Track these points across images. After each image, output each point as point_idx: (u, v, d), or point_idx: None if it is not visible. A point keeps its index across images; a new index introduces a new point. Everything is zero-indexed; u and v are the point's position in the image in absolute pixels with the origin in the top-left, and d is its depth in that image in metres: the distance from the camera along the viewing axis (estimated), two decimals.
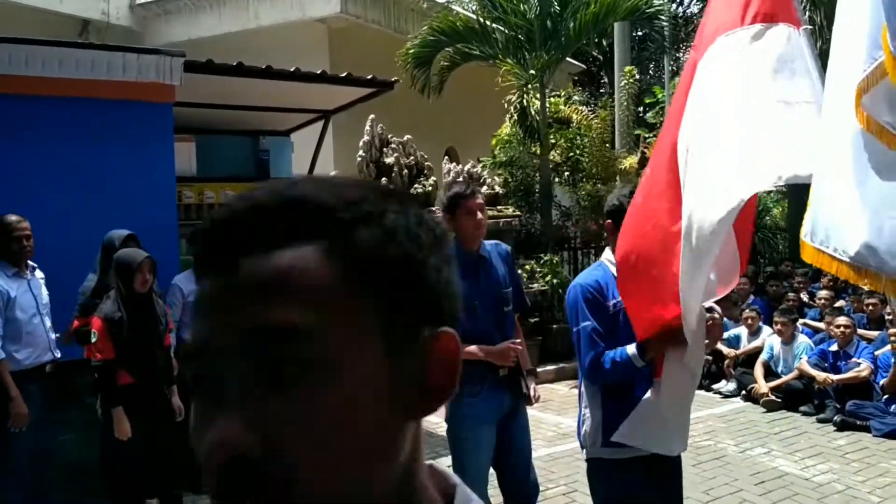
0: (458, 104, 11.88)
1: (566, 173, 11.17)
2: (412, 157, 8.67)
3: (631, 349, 2.72)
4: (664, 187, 2.59)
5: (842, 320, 7.30)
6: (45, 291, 4.55)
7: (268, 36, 12.05)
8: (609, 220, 2.93)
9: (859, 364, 6.96)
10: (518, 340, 3.62)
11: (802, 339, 7.69)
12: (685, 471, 3.13)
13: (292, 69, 6.13)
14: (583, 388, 3.00)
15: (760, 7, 2.43)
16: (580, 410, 3.03)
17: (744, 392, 7.77)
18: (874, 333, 7.56)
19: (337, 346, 0.57)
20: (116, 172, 5.17)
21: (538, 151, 10.30)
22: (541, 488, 3.85)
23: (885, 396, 6.76)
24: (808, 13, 10.77)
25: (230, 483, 0.55)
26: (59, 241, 4.69)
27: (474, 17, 10.19)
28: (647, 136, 15.41)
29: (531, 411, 3.80)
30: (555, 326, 9.33)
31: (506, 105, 10.47)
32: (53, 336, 4.53)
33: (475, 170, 9.44)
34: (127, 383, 4.14)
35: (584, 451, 3.01)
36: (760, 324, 8.29)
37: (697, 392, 8.14)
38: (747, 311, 8.46)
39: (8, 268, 4.35)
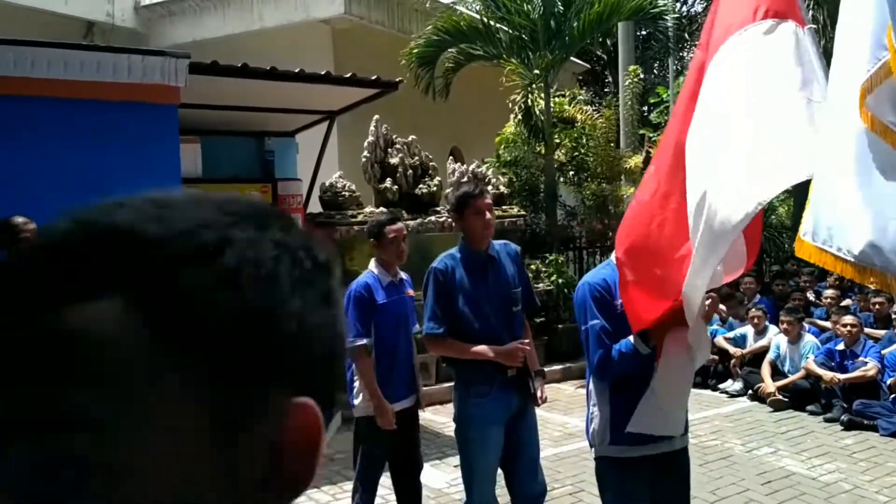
0: (463, 104, 11.87)
1: (571, 173, 11.16)
2: (417, 158, 8.66)
3: (633, 338, 2.74)
4: (671, 187, 2.59)
5: (848, 319, 7.28)
6: None
7: (272, 37, 12.05)
8: None
9: (866, 363, 6.94)
10: (526, 341, 3.62)
11: (809, 339, 7.67)
12: (692, 470, 3.13)
13: (297, 70, 6.14)
14: (591, 387, 3.01)
15: (771, 5, 2.43)
16: (588, 409, 3.04)
17: (750, 391, 7.75)
18: (881, 332, 7.54)
19: (135, 442, 0.43)
20: (122, 174, 5.18)
21: (543, 151, 10.29)
22: (547, 488, 3.85)
23: (893, 395, 6.74)
24: (811, 12, 10.74)
25: None
26: None
27: (478, 17, 10.19)
28: (651, 135, 15.40)
29: (537, 411, 3.80)
30: (560, 326, 9.32)
31: (510, 105, 10.46)
32: None
33: (480, 170, 9.43)
34: None
35: (593, 449, 3.01)
36: (767, 323, 8.26)
37: (704, 391, 8.21)
38: (753, 310, 8.44)
39: None
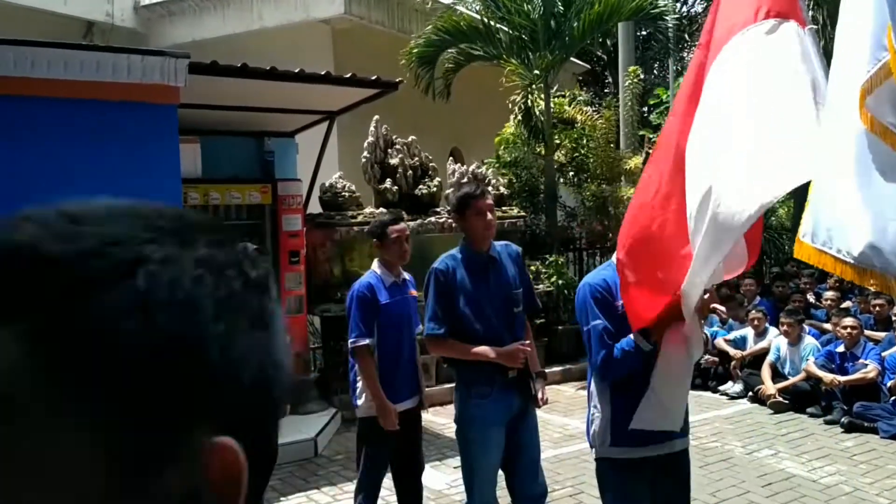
0: (463, 105, 11.86)
1: (571, 174, 11.15)
2: (417, 158, 8.65)
3: (634, 335, 2.76)
4: (671, 188, 2.58)
5: (848, 321, 7.27)
6: None
7: (272, 37, 12.05)
8: None
9: (866, 365, 6.93)
10: (527, 342, 3.62)
11: (809, 341, 7.66)
12: (692, 472, 3.12)
13: (296, 70, 6.13)
14: (592, 388, 3.01)
15: (772, 5, 2.42)
16: (589, 410, 3.03)
17: (750, 393, 7.74)
18: (881, 334, 7.53)
19: (24, 491, 0.40)
20: (121, 174, 5.17)
21: (543, 152, 10.28)
22: (548, 490, 3.84)
23: (893, 398, 6.73)
24: (811, 12, 10.73)
25: None
26: None
27: (478, 17, 10.18)
28: (651, 136, 15.39)
29: (537, 413, 3.79)
30: (560, 328, 9.32)
31: (510, 105, 10.45)
32: None
33: (480, 171, 9.42)
34: None
35: (593, 450, 3.01)
36: (767, 325, 8.25)
37: (704, 394, 8.20)
38: (753, 312, 8.43)
39: None
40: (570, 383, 8.63)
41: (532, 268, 9.15)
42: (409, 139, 8.70)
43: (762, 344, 8.09)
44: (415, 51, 9.85)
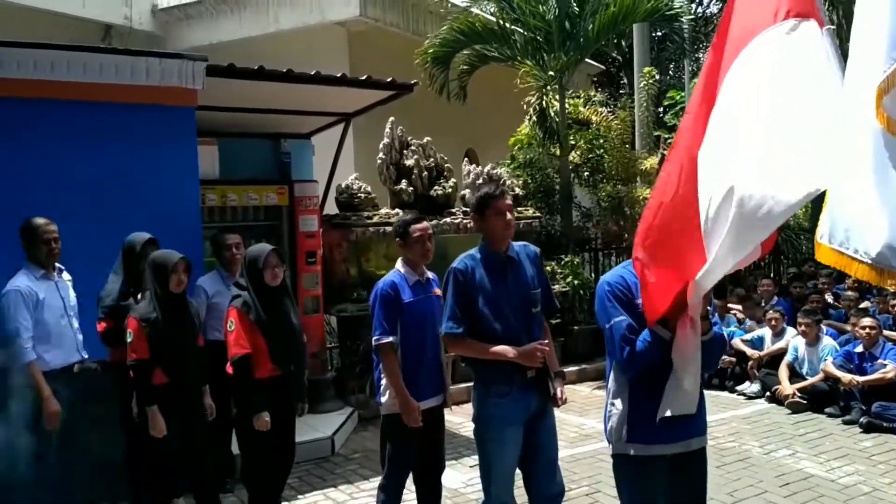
0: (478, 106, 11.87)
1: (586, 174, 11.14)
2: (432, 159, 8.67)
3: (652, 327, 2.78)
4: (688, 188, 2.59)
5: (867, 321, 7.22)
6: (72, 293, 4.62)
7: (287, 40, 12.12)
8: None
9: (885, 365, 6.88)
10: (546, 342, 3.63)
11: (827, 341, 7.61)
12: (709, 472, 3.12)
13: (312, 72, 6.17)
14: (610, 384, 3.02)
15: (792, 5, 2.42)
16: (606, 406, 3.05)
17: (768, 394, 7.71)
18: None
19: None
20: (140, 176, 5.24)
21: (558, 153, 10.28)
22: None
23: None
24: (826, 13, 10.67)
25: None
26: (83, 243, 4.76)
27: (493, 19, 10.19)
28: (666, 137, 15.34)
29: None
30: (576, 328, 9.31)
31: (525, 106, 10.46)
32: (81, 337, 4.60)
33: (495, 171, 9.44)
34: (161, 383, 4.18)
35: (610, 446, 3.02)
36: (784, 325, 8.21)
37: (721, 393, 8.19)
38: (771, 312, 8.38)
39: (36, 270, 4.42)
40: (585, 383, 8.62)
41: (548, 268, 9.15)
42: (425, 140, 8.73)
43: (780, 344, 8.05)
44: (430, 51, 9.87)
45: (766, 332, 8.31)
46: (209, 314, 5.09)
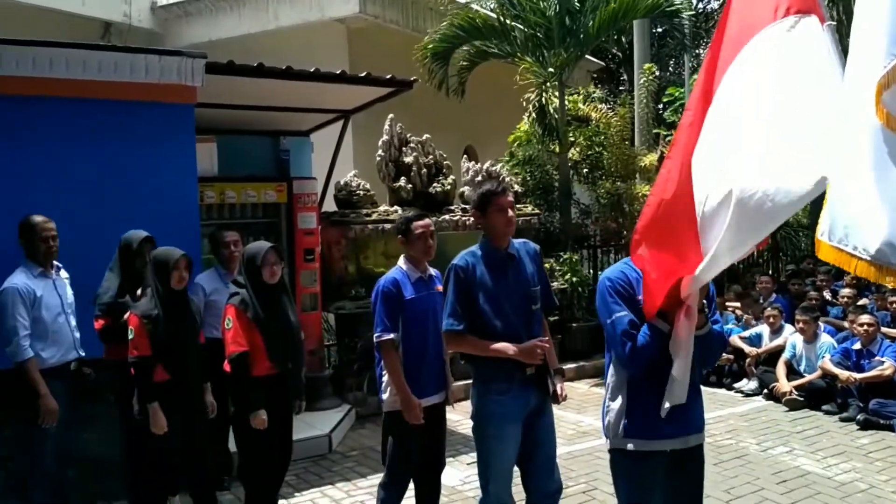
0: (477, 103, 11.87)
1: (585, 171, 11.13)
2: (431, 157, 8.67)
3: (651, 321, 2.80)
4: (689, 186, 2.60)
5: (865, 318, 7.23)
6: (69, 291, 4.62)
7: (287, 37, 12.11)
8: None
9: (883, 363, 6.89)
10: (545, 339, 3.64)
11: (825, 339, 7.62)
12: (706, 469, 3.13)
13: (312, 69, 6.16)
14: (609, 379, 3.02)
15: (793, 2, 2.42)
16: (605, 401, 3.05)
17: (766, 391, 7.73)
18: None
19: None
20: (139, 173, 5.23)
21: (557, 150, 10.27)
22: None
23: None
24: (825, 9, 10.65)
25: None
26: (81, 241, 4.76)
27: (493, 15, 10.17)
28: (665, 134, 15.34)
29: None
30: (574, 325, 9.32)
31: (524, 103, 10.45)
32: (78, 335, 4.60)
33: (494, 168, 9.43)
34: (162, 380, 4.18)
35: (608, 441, 3.03)
36: (783, 322, 8.22)
37: (719, 391, 8.20)
38: (769, 309, 8.39)
39: (34, 267, 4.42)
40: (583, 380, 8.64)
41: (546, 265, 9.13)
42: (424, 137, 8.72)
43: (778, 341, 8.06)
44: (429, 46, 9.85)
45: (764, 329, 8.32)
46: (207, 312, 5.08)
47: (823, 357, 7.37)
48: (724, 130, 2.53)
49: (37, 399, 4.23)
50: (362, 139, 10.37)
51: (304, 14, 12.11)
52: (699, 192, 2.52)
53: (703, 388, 3.12)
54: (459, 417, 5.68)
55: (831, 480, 5.35)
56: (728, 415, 7.17)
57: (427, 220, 4.13)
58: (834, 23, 2.45)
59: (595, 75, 19.11)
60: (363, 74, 6.58)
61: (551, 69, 9.75)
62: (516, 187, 9.49)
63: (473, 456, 3.93)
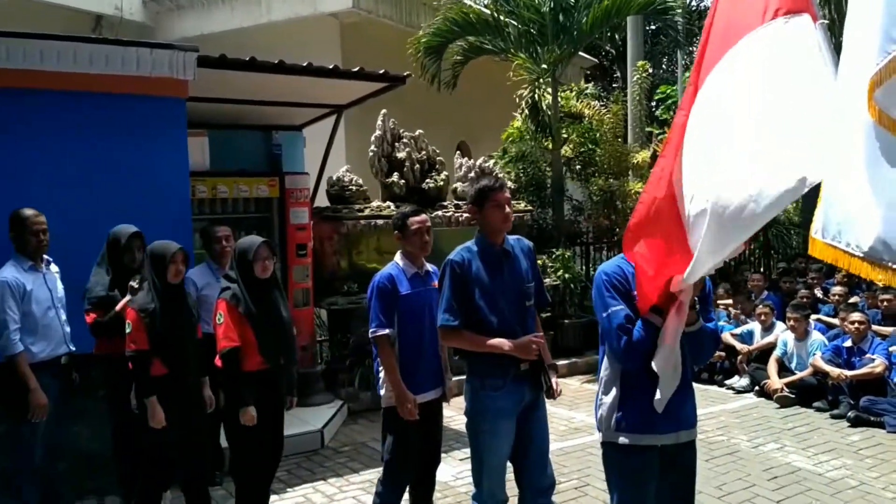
0: (471, 99, 11.86)
1: (578, 168, 11.14)
2: (424, 152, 8.66)
3: (645, 316, 2.81)
4: (679, 186, 2.61)
5: (856, 316, 7.26)
6: (60, 285, 4.59)
7: (280, 31, 12.07)
8: None
9: (873, 360, 6.93)
10: (540, 334, 3.64)
11: (816, 336, 7.65)
12: (698, 465, 3.13)
13: (304, 64, 6.14)
14: (602, 373, 3.03)
15: (782, 3, 2.42)
16: (598, 395, 3.06)
17: (757, 388, 7.75)
18: (889, 329, 7.51)
19: None
20: (130, 167, 5.20)
21: (550, 146, 10.27)
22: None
23: None
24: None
25: None
26: (72, 235, 4.73)
27: (487, 11, 10.15)
28: (657, 132, 15.35)
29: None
30: (567, 321, 9.33)
31: (517, 99, 10.44)
32: (68, 329, 4.57)
33: (487, 164, 9.43)
34: (160, 374, 4.16)
35: (600, 434, 3.03)
36: (774, 319, 8.25)
37: (710, 387, 8.22)
38: (761, 306, 8.42)
39: (24, 261, 4.39)
40: (575, 377, 8.65)
41: (539, 262, 9.13)
42: (417, 133, 8.71)
43: (769, 339, 8.09)
44: (423, 40, 9.83)
45: (755, 326, 8.35)
46: (198, 307, 5.06)
47: (814, 354, 7.40)
48: (712, 130, 2.53)
49: (27, 393, 4.21)
50: (355, 134, 10.35)
51: (296, 8, 12.07)
52: (686, 192, 2.54)
53: (694, 384, 3.12)
54: (452, 413, 5.68)
55: (822, 477, 5.37)
56: (719, 411, 7.19)
57: (423, 216, 4.12)
58: (826, 21, 2.45)
59: (588, 72, 19.12)
60: (356, 69, 6.56)
61: (545, 65, 9.74)
62: (509, 184, 9.48)
63: (466, 451, 3.93)
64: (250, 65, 5.86)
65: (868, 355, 7.00)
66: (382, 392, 4.03)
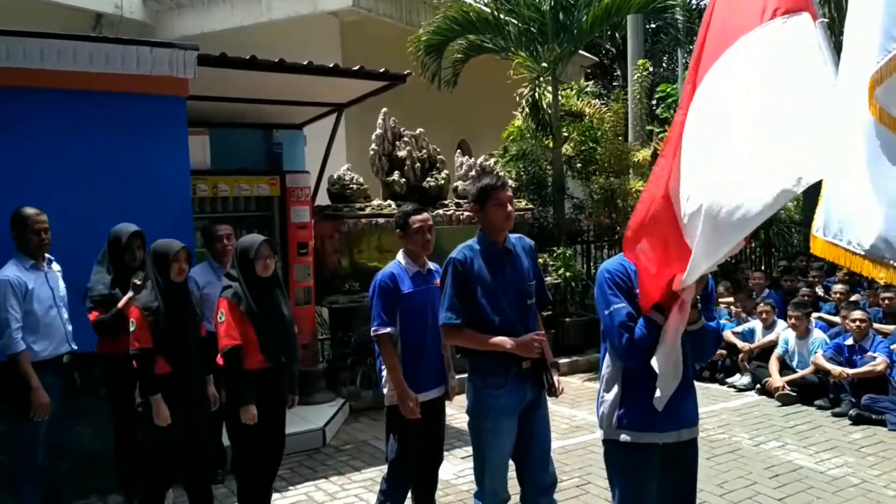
0: (471, 97, 11.86)
1: (578, 166, 11.14)
2: (424, 151, 8.66)
3: (647, 314, 2.81)
4: (677, 185, 2.61)
5: (857, 314, 7.26)
6: (62, 284, 4.60)
7: (280, 29, 12.07)
8: None
9: (875, 358, 6.92)
10: (541, 333, 3.64)
11: (817, 334, 7.65)
12: (699, 463, 3.13)
13: (305, 62, 6.14)
14: (604, 371, 3.03)
15: (781, 3, 2.41)
16: (600, 392, 3.06)
17: (758, 386, 7.75)
18: (890, 327, 7.51)
19: None
20: (131, 166, 5.21)
21: (550, 145, 10.27)
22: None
23: None
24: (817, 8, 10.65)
25: None
26: (72, 234, 4.73)
27: (487, 9, 10.15)
28: (657, 130, 15.34)
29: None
30: (568, 320, 9.32)
31: (518, 98, 10.44)
32: (70, 327, 4.58)
33: (488, 163, 9.42)
34: (163, 372, 4.17)
35: (602, 432, 3.03)
36: (775, 318, 8.25)
37: (711, 385, 8.21)
38: (762, 304, 8.42)
39: (26, 260, 4.40)
40: (576, 375, 8.64)
41: (540, 260, 9.12)
42: (417, 131, 8.71)
43: (770, 337, 8.08)
44: (423, 38, 9.82)
45: (756, 324, 8.34)
46: (203, 305, 5.07)
47: (816, 353, 7.40)
48: (709, 130, 2.53)
49: (29, 392, 4.21)
50: (355, 133, 10.35)
51: (296, 6, 12.07)
52: (683, 192, 2.54)
53: (696, 382, 3.12)
54: (453, 411, 5.68)
55: (823, 475, 5.37)
56: (721, 409, 7.19)
57: (425, 215, 4.12)
58: (826, 20, 2.45)
59: (589, 70, 19.10)
60: (356, 68, 6.56)
61: (545, 64, 9.73)
62: (510, 182, 9.48)
63: (468, 450, 3.93)
64: (251, 63, 5.86)
65: (869, 353, 7.00)
66: (386, 390, 4.03)
